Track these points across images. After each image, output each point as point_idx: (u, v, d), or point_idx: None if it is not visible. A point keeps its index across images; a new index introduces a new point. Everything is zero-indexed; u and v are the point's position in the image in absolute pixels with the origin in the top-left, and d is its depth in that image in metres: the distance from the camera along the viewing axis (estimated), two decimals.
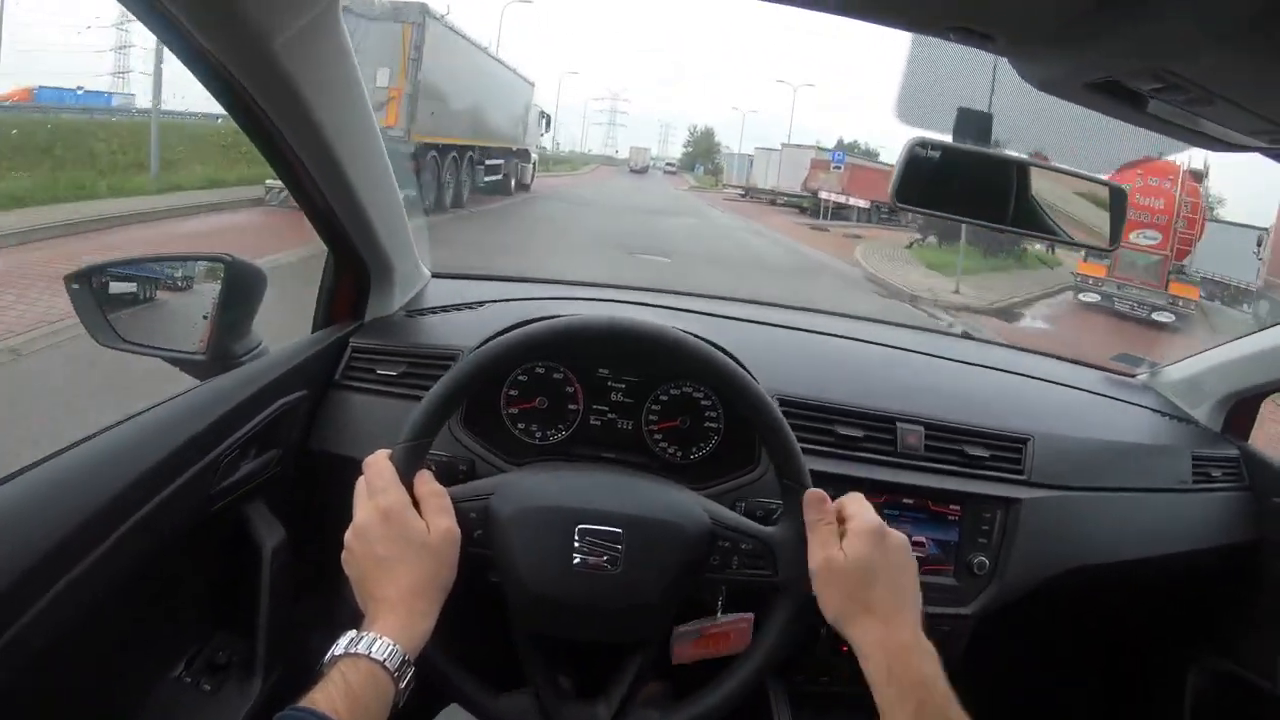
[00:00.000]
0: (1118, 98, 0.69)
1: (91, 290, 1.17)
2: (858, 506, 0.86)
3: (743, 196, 37.16)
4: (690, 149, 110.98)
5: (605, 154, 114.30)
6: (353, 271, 1.30)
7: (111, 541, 0.83)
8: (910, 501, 1.23)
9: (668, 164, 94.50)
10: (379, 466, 0.83)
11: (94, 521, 0.82)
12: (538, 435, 1.21)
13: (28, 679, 0.78)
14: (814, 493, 0.88)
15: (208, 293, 1.18)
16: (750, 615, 0.95)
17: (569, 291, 1.62)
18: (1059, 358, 1.75)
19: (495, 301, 1.43)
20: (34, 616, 0.75)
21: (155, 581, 0.98)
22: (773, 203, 34.06)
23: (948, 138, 0.98)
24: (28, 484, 0.81)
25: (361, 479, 0.84)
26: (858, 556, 0.82)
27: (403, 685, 0.73)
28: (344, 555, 0.82)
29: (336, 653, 0.73)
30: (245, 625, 1.11)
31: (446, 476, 0.90)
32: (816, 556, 0.85)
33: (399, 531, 0.80)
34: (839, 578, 0.83)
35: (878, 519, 0.84)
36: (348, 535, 0.81)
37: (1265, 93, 0.64)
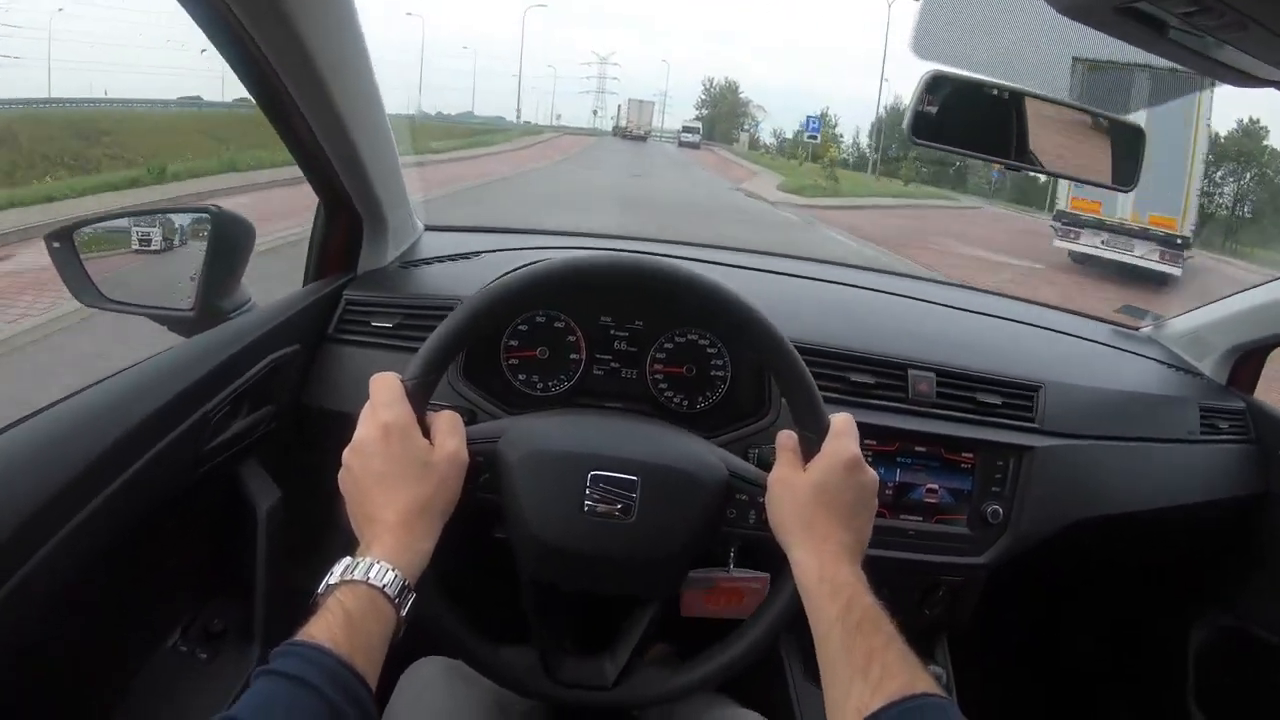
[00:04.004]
0: (1146, 25, 0.66)
1: (74, 248, 1.13)
2: (839, 441, 0.83)
3: None
4: (706, 112, 78.17)
5: (587, 125, 77.09)
6: (345, 223, 1.26)
7: (97, 504, 0.80)
8: (923, 449, 1.22)
9: (685, 129, 56.01)
10: (385, 382, 0.79)
11: (78, 484, 0.78)
12: (539, 386, 1.18)
13: (17, 650, 0.74)
14: (788, 433, 0.87)
15: (196, 249, 1.14)
16: (766, 576, 0.92)
17: (567, 242, 1.59)
18: (1064, 309, 1.74)
19: (492, 251, 1.40)
20: (18, 585, 0.71)
21: (146, 547, 0.95)
22: None
23: (966, 72, 0.94)
24: (6, 445, 0.77)
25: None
26: (814, 479, 0.81)
27: (404, 613, 0.69)
28: (341, 474, 0.77)
29: (331, 581, 0.69)
30: (241, 590, 1.08)
31: None
32: (774, 474, 0.84)
33: (400, 448, 0.75)
34: (790, 493, 0.81)
35: (854, 451, 0.82)
36: (346, 453, 0.77)
37: None
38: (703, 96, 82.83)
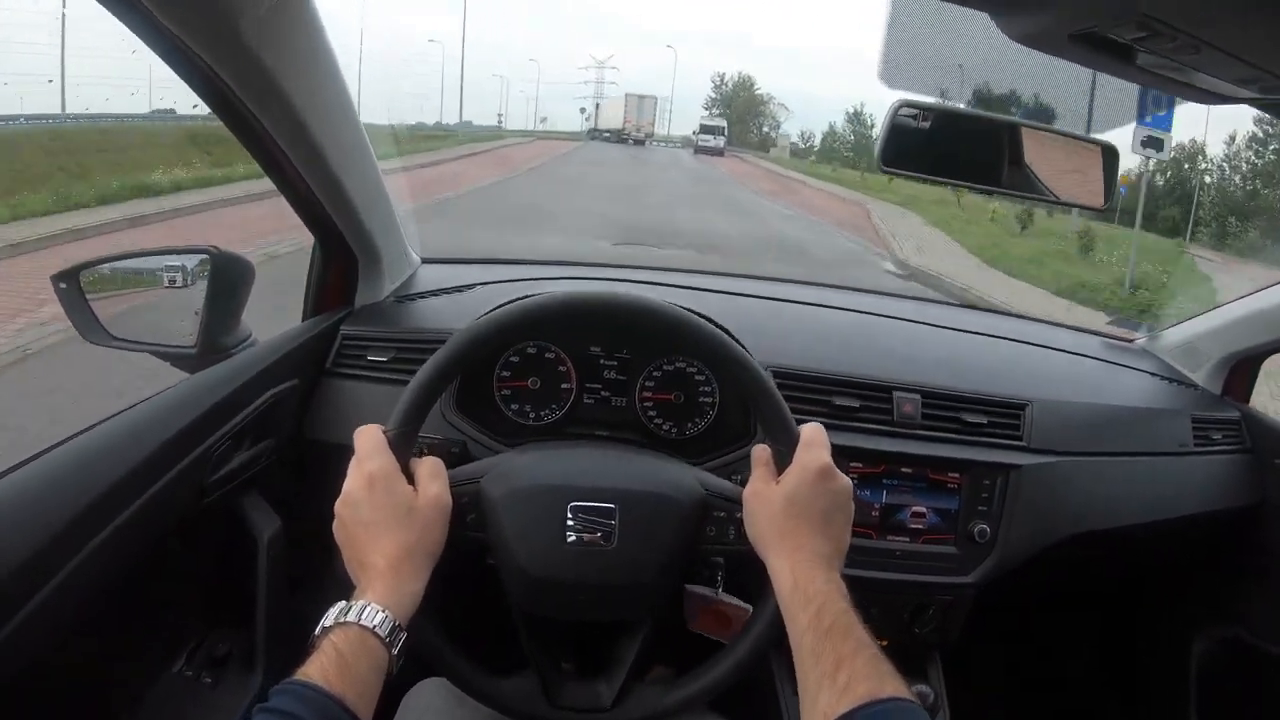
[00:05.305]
0: (1104, 50, 0.68)
1: (80, 288, 1.16)
2: (809, 451, 0.84)
3: None
4: (717, 111, 63.12)
5: (577, 128, 59.71)
6: (340, 259, 1.29)
7: (105, 536, 0.83)
8: (909, 470, 1.22)
9: (704, 129, 42.38)
10: (368, 434, 0.83)
11: (87, 517, 0.82)
12: (531, 416, 1.21)
13: (26, 677, 0.77)
14: (762, 447, 0.88)
15: (198, 287, 1.18)
16: (749, 609, 0.93)
17: (559, 271, 1.62)
18: (1055, 324, 1.74)
19: (486, 284, 1.43)
20: (29, 615, 0.74)
21: (152, 576, 0.98)
22: None
23: (934, 99, 0.97)
24: (19, 480, 0.80)
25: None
26: (786, 490, 0.82)
27: (395, 652, 0.73)
28: (334, 525, 0.81)
29: (327, 624, 0.73)
30: (244, 617, 1.11)
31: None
32: (749, 488, 0.86)
33: (385, 497, 0.79)
34: (764, 506, 0.83)
35: (824, 460, 0.83)
36: (337, 505, 0.81)
37: (1252, 38, 0.63)
38: (712, 95, 69.24)
